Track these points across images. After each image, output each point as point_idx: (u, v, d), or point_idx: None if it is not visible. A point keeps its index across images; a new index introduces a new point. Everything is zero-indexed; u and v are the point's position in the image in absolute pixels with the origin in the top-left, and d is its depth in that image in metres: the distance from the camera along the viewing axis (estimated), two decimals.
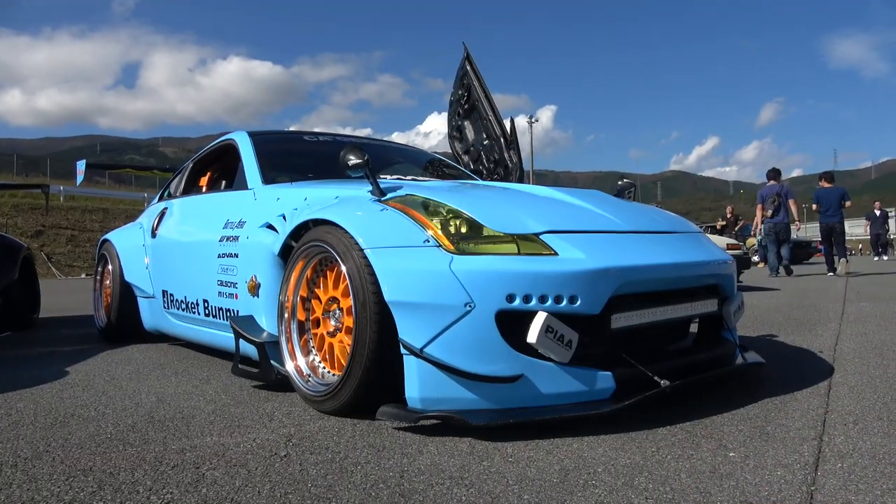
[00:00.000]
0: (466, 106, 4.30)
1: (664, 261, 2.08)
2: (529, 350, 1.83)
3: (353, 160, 2.19)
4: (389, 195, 2.18)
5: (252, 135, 3.26)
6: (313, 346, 2.29)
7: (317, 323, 2.27)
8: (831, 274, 10.48)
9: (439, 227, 1.96)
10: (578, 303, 1.86)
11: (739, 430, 1.82)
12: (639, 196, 3.60)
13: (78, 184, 7.15)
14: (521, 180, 3.83)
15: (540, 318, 1.81)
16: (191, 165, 3.84)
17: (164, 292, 3.43)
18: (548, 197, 2.37)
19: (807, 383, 2.39)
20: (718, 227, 16.14)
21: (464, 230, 1.97)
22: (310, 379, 2.20)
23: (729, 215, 16.21)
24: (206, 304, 2.97)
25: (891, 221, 20.04)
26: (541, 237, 1.96)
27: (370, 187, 2.26)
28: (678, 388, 1.94)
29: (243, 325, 2.52)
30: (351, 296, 1.97)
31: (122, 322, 3.87)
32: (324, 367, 2.22)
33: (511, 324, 1.83)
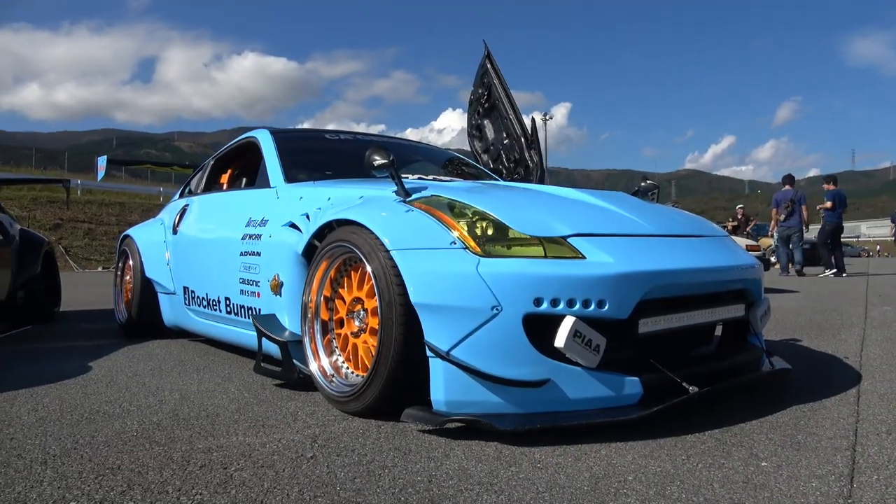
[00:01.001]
0: (486, 105, 4.28)
1: (692, 265, 2.05)
2: (556, 354, 1.82)
3: (378, 160, 2.19)
4: (414, 196, 2.17)
5: (274, 133, 3.26)
6: (336, 347, 2.28)
7: (340, 323, 2.26)
8: (844, 275, 10.52)
9: (465, 228, 1.95)
10: (606, 307, 1.84)
11: (770, 439, 1.80)
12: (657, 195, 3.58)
13: (99, 179, 7.24)
14: (541, 180, 3.80)
15: (568, 322, 1.79)
16: (212, 163, 3.86)
17: (186, 289, 3.45)
18: (573, 199, 2.35)
19: (835, 390, 2.36)
20: (729, 227, 15.93)
21: (490, 232, 1.96)
22: (333, 379, 2.20)
23: (740, 216, 15.95)
24: (227, 302, 2.98)
25: None
26: (568, 240, 1.95)
27: (394, 187, 2.25)
28: (706, 394, 1.92)
29: (266, 323, 2.53)
30: (377, 297, 1.96)
31: (142, 318, 3.90)
32: (347, 368, 2.21)
33: (538, 328, 1.82)
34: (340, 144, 3.38)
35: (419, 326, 1.87)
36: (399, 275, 1.91)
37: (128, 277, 4.22)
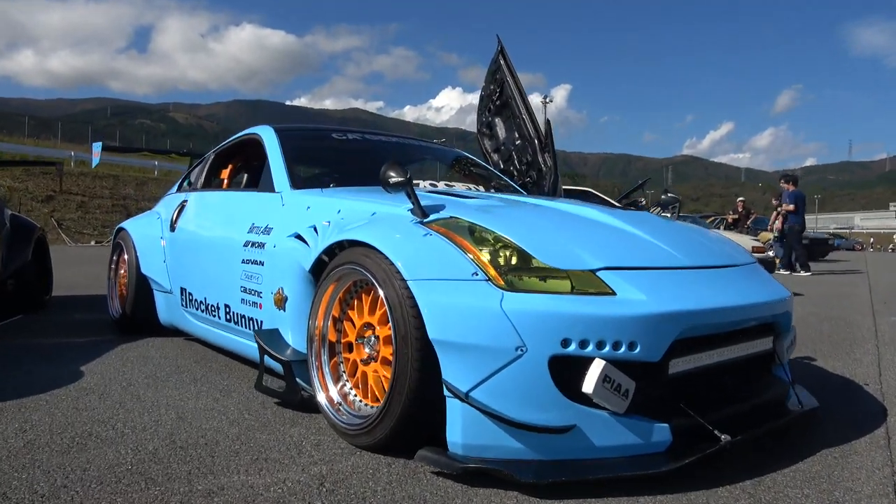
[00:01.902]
0: (498, 102, 4.12)
1: (728, 303, 1.93)
2: (582, 398, 1.70)
3: (393, 178, 2.04)
4: (432, 217, 2.03)
5: (278, 131, 3.10)
6: (344, 371, 2.16)
7: (349, 347, 2.14)
8: (807, 273, 10.68)
9: (488, 257, 1.82)
10: (638, 349, 1.72)
11: (806, 496, 1.69)
12: (678, 209, 3.45)
13: (94, 165, 7.00)
14: (555, 185, 3.68)
15: (598, 366, 1.67)
16: (212, 157, 3.70)
17: (183, 290, 3.31)
18: (597, 222, 2.22)
19: (863, 429, 2.26)
20: (730, 220, 15.72)
21: (514, 262, 1.83)
22: (341, 409, 2.08)
23: (740, 209, 15.63)
24: (227, 310, 2.85)
25: None
26: (597, 274, 1.82)
27: (409, 205, 2.12)
28: (738, 443, 1.81)
29: (268, 339, 2.40)
30: (391, 328, 1.84)
31: (136, 314, 3.77)
32: (356, 396, 2.09)
33: (564, 370, 1.70)
34: (348, 145, 3.23)
35: (436, 363, 1.75)
36: (415, 306, 1.79)
37: (122, 271, 4.08)
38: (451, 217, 2.03)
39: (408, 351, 1.78)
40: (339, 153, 3.22)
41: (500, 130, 4.13)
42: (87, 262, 11.19)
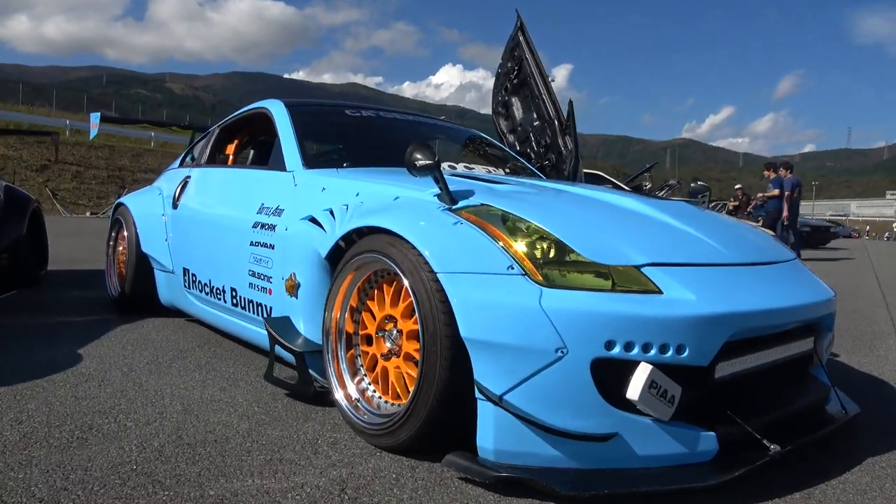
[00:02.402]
0: (516, 81, 3.95)
1: (779, 305, 1.80)
2: (625, 404, 1.58)
3: (420, 160, 1.89)
4: (461, 203, 1.89)
5: (289, 106, 2.94)
6: (362, 365, 2.04)
7: (367, 340, 2.01)
8: None
9: (524, 250, 1.68)
10: (686, 353, 1.59)
11: None
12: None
13: (92, 137, 6.77)
14: (576, 169, 3.53)
15: (644, 371, 1.55)
16: (217, 131, 3.53)
17: (186, 271, 3.17)
18: (637, 212, 2.07)
19: None
20: (731, 207, 15.39)
21: (552, 255, 1.69)
22: (359, 405, 1.95)
23: (740, 195, 15.26)
24: (233, 293, 2.72)
25: None
26: (642, 270, 1.69)
27: (435, 189, 1.97)
28: (786, 454, 1.69)
29: (279, 328, 2.27)
30: (419, 325, 1.70)
31: (136, 294, 3.63)
32: (375, 393, 1.97)
33: (607, 374, 1.57)
34: (362, 122, 3.06)
35: (467, 362, 1.63)
36: (445, 301, 1.65)
37: (121, 248, 3.92)
38: (481, 204, 1.88)
39: (437, 349, 1.65)
40: (354, 131, 3.05)
41: (517, 110, 3.97)
42: (83, 234, 11.01)
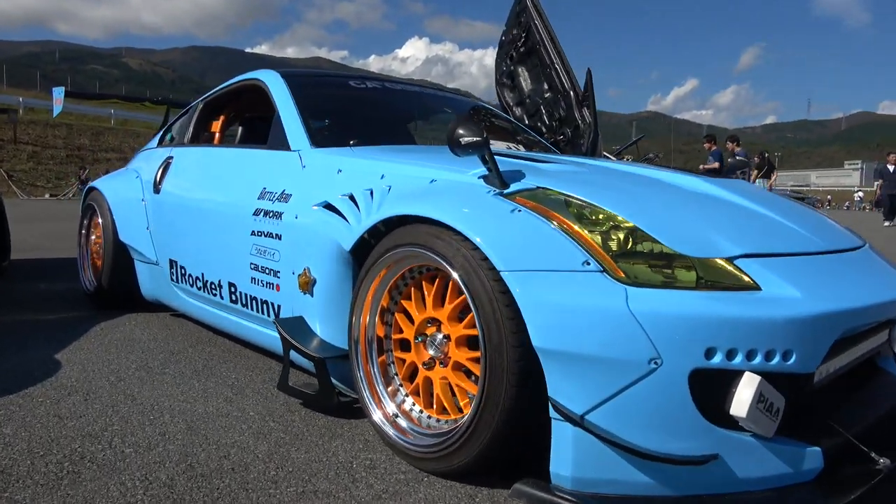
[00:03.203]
0: (523, 49, 3.66)
1: (881, 298, 1.59)
2: (724, 421, 1.36)
3: (466, 137, 1.62)
4: (514, 187, 1.62)
5: (287, 77, 2.62)
6: (396, 374, 1.78)
7: (402, 345, 1.75)
8: None
9: (598, 241, 1.44)
10: (793, 359, 1.37)
11: None
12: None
13: (56, 115, 6.26)
14: (594, 145, 3.28)
15: (752, 382, 1.32)
16: (201, 106, 3.18)
17: (173, 262, 2.85)
18: (705, 193, 1.83)
19: None
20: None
21: (631, 247, 1.45)
22: (398, 421, 1.70)
23: (757, 158, 14.24)
24: (232, 289, 2.42)
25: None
26: (735, 262, 1.45)
27: (478, 170, 1.71)
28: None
29: (293, 331, 1.99)
30: (480, 334, 1.44)
31: (115, 288, 3.30)
32: (415, 406, 1.72)
33: (705, 387, 1.34)
34: (369, 94, 2.75)
35: (539, 376, 1.38)
36: (512, 305, 1.40)
37: (94, 237, 3.57)
38: (537, 187, 1.62)
39: (503, 361, 1.40)
40: (359, 104, 2.74)
41: (525, 81, 3.69)
42: (45, 217, 10.44)
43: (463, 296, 1.56)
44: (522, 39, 3.66)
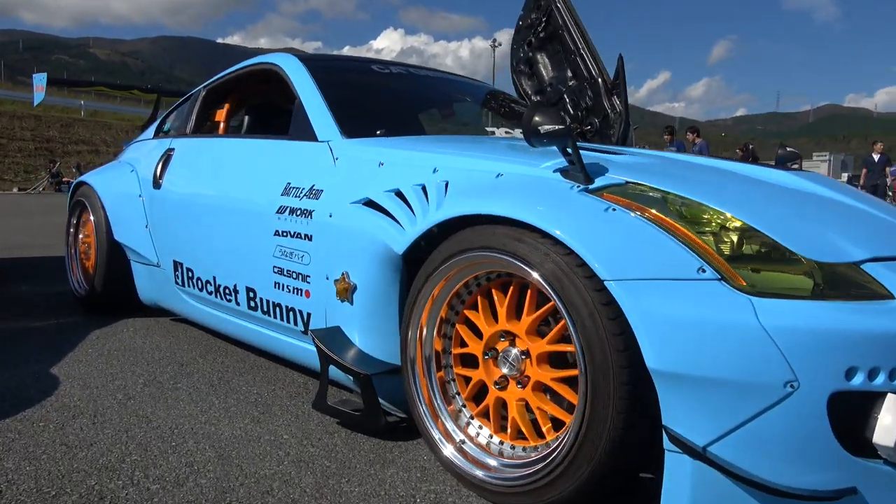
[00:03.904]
0: (543, 34, 3.46)
1: None
2: (863, 449, 1.19)
3: (546, 125, 1.41)
4: (598, 182, 1.43)
5: (307, 61, 2.38)
6: (458, 394, 1.58)
7: (465, 360, 1.56)
8: None
9: (711, 245, 1.25)
10: None
11: None
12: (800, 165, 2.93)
13: (37, 103, 5.90)
14: (625, 136, 3.11)
15: None
16: (203, 93, 2.92)
17: (178, 265, 2.61)
18: (801, 189, 1.64)
19: None
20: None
21: (747, 251, 1.27)
22: (467, 448, 1.50)
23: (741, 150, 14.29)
24: (251, 294, 2.20)
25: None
26: (862, 268, 1.28)
27: (551, 162, 1.51)
28: None
29: (332, 343, 1.78)
30: (579, 352, 1.25)
31: (110, 291, 3.04)
32: (483, 430, 1.52)
33: (843, 412, 1.17)
34: (394, 81, 2.53)
35: (652, 401, 1.20)
36: (618, 319, 1.21)
37: (83, 236, 3.30)
38: (626, 182, 1.43)
39: (608, 384, 1.21)
40: (385, 91, 2.52)
41: (545, 68, 3.48)
42: (16, 213, 9.97)
43: (545, 307, 1.37)
44: (542, 24, 3.45)
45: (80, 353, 2.51)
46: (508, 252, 1.37)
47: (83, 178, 3.32)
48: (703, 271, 1.21)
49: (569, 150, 1.42)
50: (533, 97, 3.58)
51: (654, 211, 1.31)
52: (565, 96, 3.39)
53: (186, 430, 1.80)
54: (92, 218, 3.10)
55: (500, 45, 46.13)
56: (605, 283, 1.22)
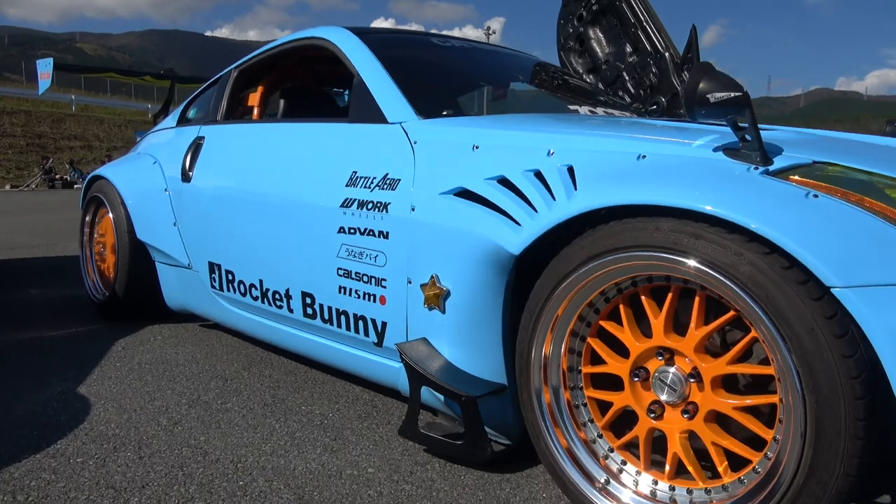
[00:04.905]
0: (596, 7, 3.19)
1: None
2: None
3: (718, 92, 1.14)
4: (778, 163, 1.16)
5: (362, 34, 2.09)
6: (591, 420, 1.31)
7: (595, 380, 1.29)
8: None
9: None
10: None
11: None
12: None
13: (43, 91, 5.55)
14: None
15: None
16: (235, 74, 2.62)
17: (215, 266, 2.33)
18: None
19: None
20: None
21: None
22: (612, 489, 1.24)
23: None
24: (307, 300, 1.92)
25: None
26: None
27: (704, 139, 1.24)
28: None
29: (424, 360, 1.51)
30: (796, 381, 0.98)
31: (133, 296, 2.75)
32: (630, 469, 1.25)
33: None
34: (456, 55, 2.24)
35: (889, 438, 0.93)
36: (845, 337, 0.94)
37: (99, 235, 3.02)
38: (813, 162, 1.17)
39: (837, 420, 0.94)
40: (450, 68, 2.22)
41: (599, 45, 3.21)
42: (12, 210, 9.62)
43: (722, 318, 1.10)
44: None
45: (107, 367, 2.23)
46: (679, 251, 1.09)
47: (99, 171, 3.02)
48: None
49: (746, 122, 1.15)
50: (585, 77, 3.31)
51: (868, 198, 1.04)
52: (624, 73, 3.12)
53: (251, 464, 1.53)
54: (111, 215, 2.81)
55: (493, 32, 45.54)
56: (833, 290, 0.95)
